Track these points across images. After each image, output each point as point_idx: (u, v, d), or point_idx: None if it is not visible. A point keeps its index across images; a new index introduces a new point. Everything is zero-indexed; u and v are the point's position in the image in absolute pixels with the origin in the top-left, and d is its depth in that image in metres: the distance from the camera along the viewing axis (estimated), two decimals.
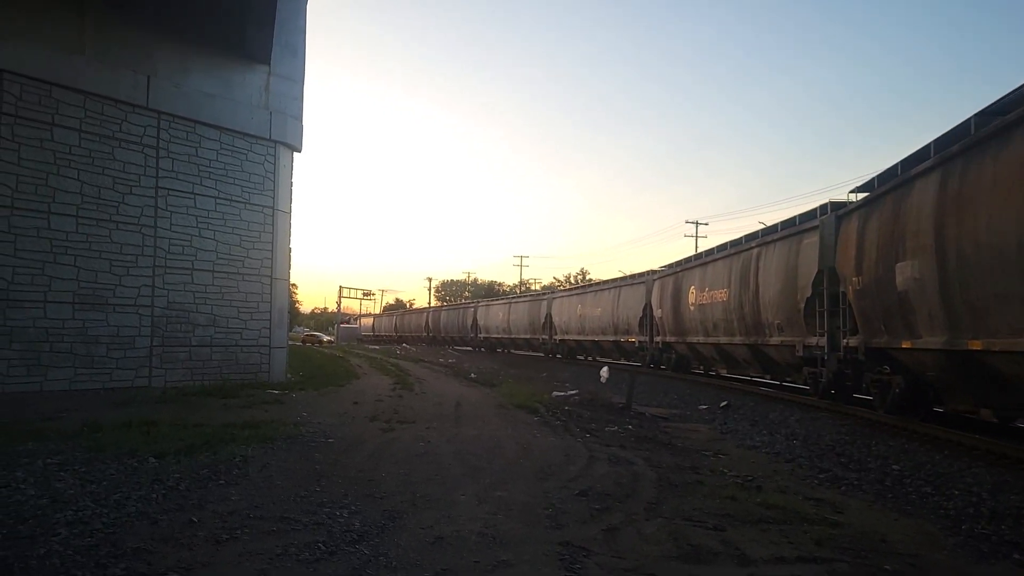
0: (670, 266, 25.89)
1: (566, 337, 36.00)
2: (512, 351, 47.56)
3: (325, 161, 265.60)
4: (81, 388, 13.39)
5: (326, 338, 74.14)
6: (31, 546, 4.37)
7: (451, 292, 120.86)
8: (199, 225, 15.36)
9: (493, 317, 49.11)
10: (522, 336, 43.17)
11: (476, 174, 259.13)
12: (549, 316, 38.56)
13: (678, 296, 22.83)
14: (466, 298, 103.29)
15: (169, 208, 14.87)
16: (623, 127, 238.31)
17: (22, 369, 12.81)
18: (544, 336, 39.27)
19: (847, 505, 6.67)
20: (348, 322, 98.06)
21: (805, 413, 14.13)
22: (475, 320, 52.77)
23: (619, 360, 31.70)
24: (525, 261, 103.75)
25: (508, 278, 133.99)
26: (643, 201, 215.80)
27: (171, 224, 14.89)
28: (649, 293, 26.83)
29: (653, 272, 28.09)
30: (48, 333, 13.13)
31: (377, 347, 59.60)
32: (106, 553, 4.30)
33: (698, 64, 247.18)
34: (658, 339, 25.56)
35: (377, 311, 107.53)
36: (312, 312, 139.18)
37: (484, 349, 51.34)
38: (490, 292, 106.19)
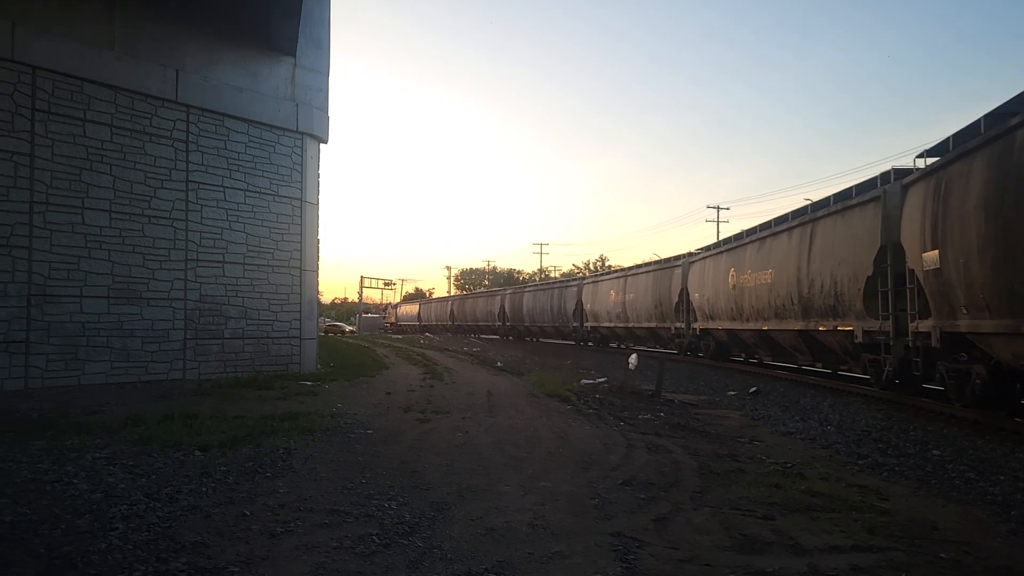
0: (949, 147, 11.34)
1: (711, 325, 23.04)
2: (632, 346, 33.42)
3: (343, 151, 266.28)
4: (118, 381, 13.56)
5: (348, 328, 74.55)
6: (91, 541, 4.43)
7: (471, 280, 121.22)
8: (229, 218, 15.46)
9: (603, 299, 34.85)
10: (643, 325, 30.11)
11: (493, 163, 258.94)
12: (685, 292, 25.85)
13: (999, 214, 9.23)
14: (486, 286, 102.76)
15: (200, 202, 14.98)
16: (640, 114, 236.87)
17: (60, 363, 12.99)
18: (678, 324, 26.69)
19: (892, 492, 6.63)
20: (396, 309, 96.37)
21: (837, 398, 14.06)
22: (579, 304, 38.31)
23: (813, 366, 18.10)
24: (544, 249, 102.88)
25: (527, 266, 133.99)
26: (662, 187, 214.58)
27: (202, 217, 15.00)
28: (885, 226, 13.14)
29: (900, 173, 13.50)
30: (85, 327, 13.30)
31: (400, 336, 59.85)
32: (165, 547, 4.35)
33: (713, 49, 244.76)
34: (923, 325, 11.98)
35: (397, 300, 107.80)
36: (332, 302, 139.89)
37: (592, 344, 37.52)
38: (510, 280, 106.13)
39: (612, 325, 34.07)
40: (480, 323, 57.51)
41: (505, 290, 54.77)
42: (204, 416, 9.17)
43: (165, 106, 14.46)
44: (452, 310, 66.40)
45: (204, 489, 5.76)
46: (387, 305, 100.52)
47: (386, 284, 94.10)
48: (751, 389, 16.10)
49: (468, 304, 63.07)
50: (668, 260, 29.74)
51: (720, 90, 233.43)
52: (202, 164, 15.05)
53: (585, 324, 37.70)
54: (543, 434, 8.88)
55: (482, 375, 18.42)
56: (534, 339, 47.11)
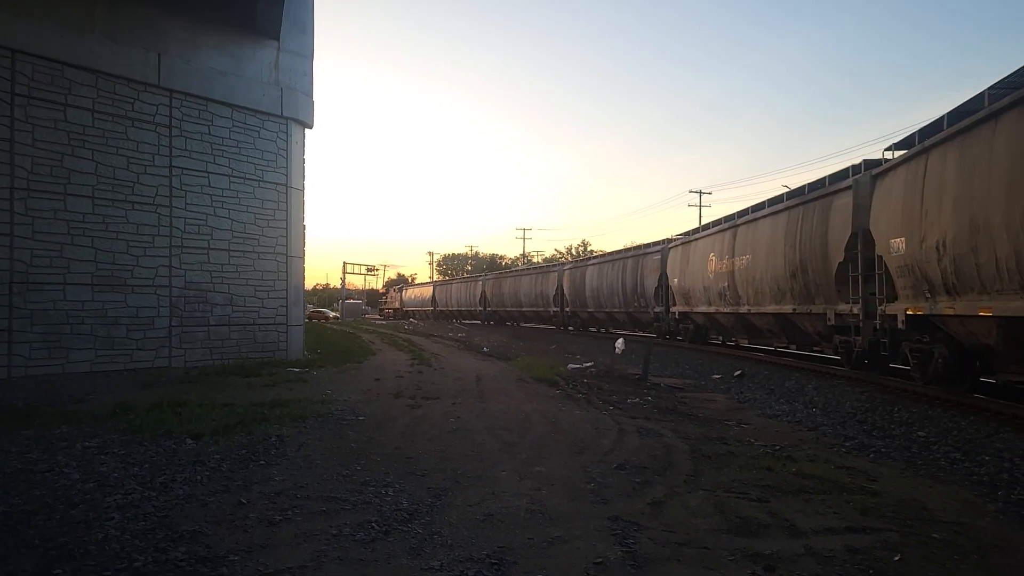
0: None
1: (948, 306, 10.62)
2: (746, 342, 21.70)
3: (324, 136, 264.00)
4: (103, 370, 13.46)
5: (332, 314, 74.09)
6: (87, 531, 4.40)
7: (453, 266, 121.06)
8: (214, 204, 15.32)
9: (696, 269, 23.02)
10: (767, 309, 17.88)
11: (476, 147, 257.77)
12: (858, 239, 13.92)
13: None
14: (468, 271, 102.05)
15: (184, 187, 14.82)
16: (621, 100, 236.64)
17: (44, 351, 12.86)
18: (844, 307, 14.42)
19: (879, 473, 6.71)
20: (402, 292, 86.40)
21: (822, 381, 14.19)
22: (663, 278, 26.90)
23: None
24: (527, 234, 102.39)
25: (510, 251, 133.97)
26: (645, 171, 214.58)
27: (186, 203, 14.85)
28: None
29: None
30: (68, 315, 13.17)
31: (384, 322, 59.65)
32: (163, 537, 4.33)
33: (691, 36, 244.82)
34: None
35: (379, 287, 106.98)
36: (315, 288, 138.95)
37: (682, 338, 25.75)
38: (492, 266, 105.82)
39: (711, 310, 21.81)
40: (525, 309, 44.75)
41: (563, 266, 41.43)
42: (193, 404, 9.13)
43: (147, 90, 14.27)
44: (484, 293, 52.44)
45: (198, 477, 5.74)
46: (387, 288, 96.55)
47: (369, 270, 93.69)
48: (736, 372, 16.20)
49: (508, 285, 48.39)
50: (818, 185, 16.65)
51: (701, 77, 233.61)
52: (186, 149, 14.88)
53: (672, 309, 26.11)
54: (534, 419, 8.91)
55: (469, 360, 18.43)
56: (601, 329, 35.77)
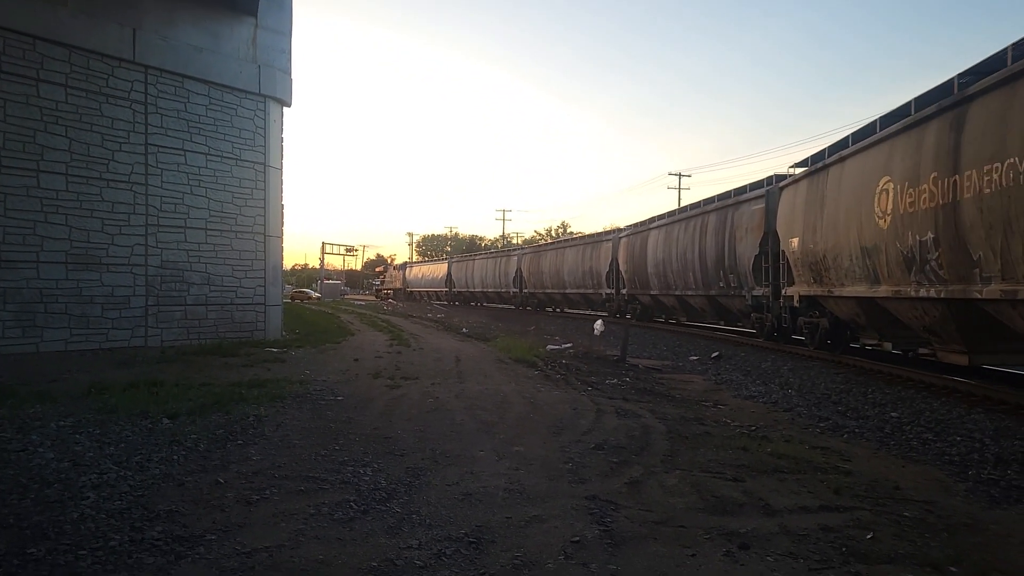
0: None
1: None
2: (951, 356, 10.18)
3: (301, 114, 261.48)
4: (77, 349, 13.31)
5: (314, 295, 73.67)
6: (62, 510, 4.36)
7: (432, 247, 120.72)
8: (190, 182, 15.13)
9: (842, 215, 12.20)
10: None
11: (454, 130, 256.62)
12: None
13: None
14: (448, 253, 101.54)
15: (160, 165, 14.62)
16: (603, 77, 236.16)
17: (17, 331, 12.69)
18: None
19: (853, 453, 6.83)
20: (406, 270, 76.24)
21: (797, 363, 14.33)
22: (768, 237, 16.99)
23: None
24: (507, 215, 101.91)
25: (489, 232, 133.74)
26: (624, 153, 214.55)
27: (162, 182, 14.66)
28: None
29: None
30: (42, 294, 12.98)
31: (363, 303, 59.42)
32: (139, 516, 4.30)
33: (681, 15, 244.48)
34: None
35: (358, 267, 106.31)
36: (293, 268, 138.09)
37: (806, 338, 15.45)
38: (472, 247, 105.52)
39: (872, 293, 11.44)
40: (569, 291, 35.18)
41: (620, 232, 30.49)
42: (170, 384, 9.07)
43: (122, 66, 14.01)
44: (520, 271, 41.59)
45: (175, 457, 5.70)
46: (384, 266, 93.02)
47: (348, 250, 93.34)
48: (713, 354, 16.33)
49: (548, 261, 37.59)
50: None
51: (687, 55, 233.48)
52: (162, 127, 14.66)
53: (785, 291, 16.05)
54: (513, 399, 8.94)
55: (448, 341, 18.42)
56: (671, 319, 27.03)
